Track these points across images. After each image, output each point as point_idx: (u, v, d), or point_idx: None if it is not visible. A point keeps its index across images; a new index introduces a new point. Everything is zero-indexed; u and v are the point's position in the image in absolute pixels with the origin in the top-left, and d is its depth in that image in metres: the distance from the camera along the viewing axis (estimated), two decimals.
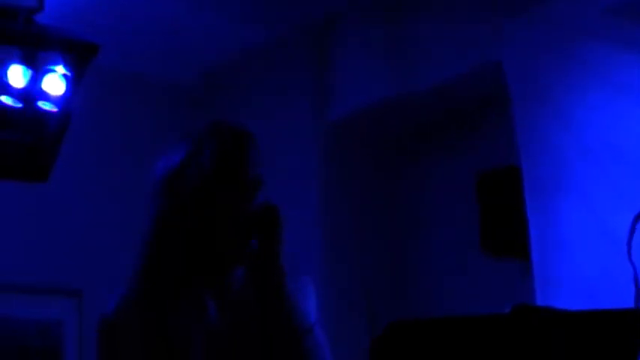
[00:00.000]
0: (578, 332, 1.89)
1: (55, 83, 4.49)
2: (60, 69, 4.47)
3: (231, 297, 2.27)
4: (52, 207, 5.71)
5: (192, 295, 2.22)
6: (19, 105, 4.47)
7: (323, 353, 2.27)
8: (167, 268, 2.21)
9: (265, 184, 2.31)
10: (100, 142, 5.93)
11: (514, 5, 4.66)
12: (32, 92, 4.47)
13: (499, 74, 4.67)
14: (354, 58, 5.61)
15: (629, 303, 3.62)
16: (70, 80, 4.50)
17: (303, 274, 2.39)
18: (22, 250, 5.62)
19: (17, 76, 4.42)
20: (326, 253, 5.52)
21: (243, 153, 2.28)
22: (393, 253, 5.74)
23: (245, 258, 2.25)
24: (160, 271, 2.21)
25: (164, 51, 6.04)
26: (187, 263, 2.22)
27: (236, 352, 2.23)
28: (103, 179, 5.88)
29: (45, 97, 4.50)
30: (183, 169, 2.24)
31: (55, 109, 4.52)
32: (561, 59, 4.45)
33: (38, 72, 4.45)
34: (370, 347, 1.79)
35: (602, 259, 4.02)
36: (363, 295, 5.50)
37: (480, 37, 4.94)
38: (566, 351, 1.84)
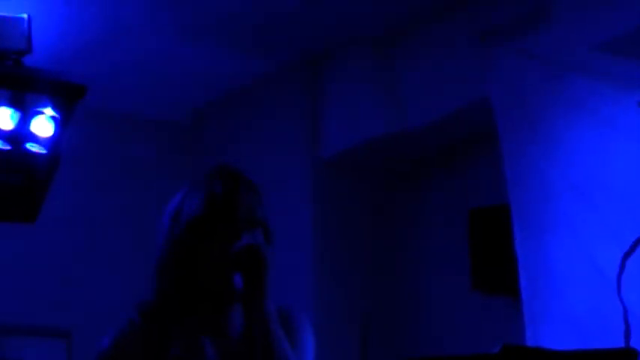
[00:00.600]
0: None
1: (43, 125, 4.49)
2: (48, 111, 4.48)
3: (227, 335, 2.29)
4: (39, 248, 5.70)
5: (189, 332, 2.25)
6: (8, 147, 4.47)
7: None
8: (163, 303, 2.27)
9: (267, 225, 2.33)
10: (88, 183, 5.93)
11: (502, 41, 4.69)
12: (21, 134, 4.47)
13: (488, 110, 4.69)
14: (345, 96, 5.63)
15: (619, 340, 3.62)
16: (59, 122, 4.51)
17: (300, 310, 2.40)
18: (10, 292, 5.60)
19: (5, 118, 4.42)
20: (318, 289, 5.52)
21: (232, 196, 2.30)
22: (384, 289, 5.72)
23: (232, 296, 2.26)
24: (157, 306, 2.27)
25: (153, 89, 6.04)
26: (180, 299, 2.27)
27: None
28: (92, 220, 5.87)
29: (33, 139, 4.51)
30: (179, 211, 2.31)
31: (43, 151, 4.52)
32: (549, 94, 4.46)
33: (26, 114, 4.46)
34: None
35: (592, 296, 4.01)
36: (356, 330, 5.49)
37: (469, 73, 4.96)
38: None
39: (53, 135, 4.52)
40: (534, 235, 4.36)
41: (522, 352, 1.97)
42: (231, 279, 2.24)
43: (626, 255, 3.00)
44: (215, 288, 2.26)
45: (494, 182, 4.78)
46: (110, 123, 6.12)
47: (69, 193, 5.56)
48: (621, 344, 3.64)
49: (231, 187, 2.31)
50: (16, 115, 4.44)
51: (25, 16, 4.42)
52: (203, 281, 2.26)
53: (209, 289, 2.26)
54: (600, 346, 2.09)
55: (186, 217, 2.28)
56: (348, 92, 5.62)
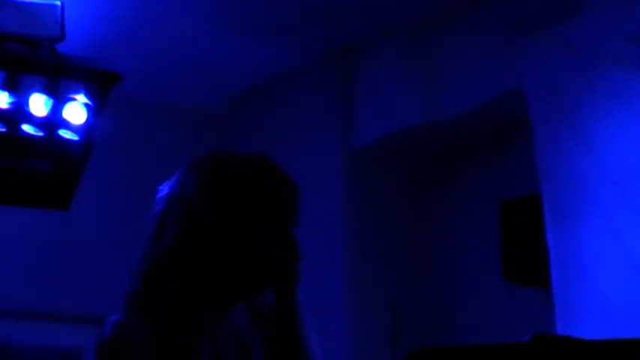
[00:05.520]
0: None
1: (76, 112, 4.52)
2: (81, 98, 4.50)
3: (233, 329, 2.25)
4: (73, 234, 5.73)
5: (204, 319, 2.19)
6: (41, 134, 4.50)
7: None
8: (177, 291, 2.16)
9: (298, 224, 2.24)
10: (122, 170, 5.95)
11: (536, 31, 4.66)
12: (54, 121, 4.50)
13: (523, 101, 4.67)
14: (380, 85, 5.62)
15: None
16: (92, 109, 4.53)
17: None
18: (43, 277, 5.64)
19: (39, 105, 4.45)
20: (351, 278, 5.52)
21: (265, 179, 2.22)
22: (416, 278, 5.72)
23: (258, 287, 2.22)
24: (167, 293, 2.16)
25: (188, 77, 6.06)
26: (200, 286, 2.17)
27: None
28: (126, 206, 5.89)
29: (66, 125, 4.53)
30: (199, 196, 2.19)
31: (76, 138, 4.54)
32: (583, 85, 4.44)
33: (60, 101, 4.48)
34: None
35: (625, 287, 3.98)
36: (388, 317, 5.49)
37: (502, 64, 4.95)
38: None
39: (86, 122, 4.54)
40: (567, 226, 4.33)
41: (553, 342, 1.96)
42: (261, 268, 2.19)
43: None
44: (243, 275, 2.18)
45: (526, 173, 4.76)
46: (144, 111, 6.15)
47: (103, 181, 5.59)
48: None
49: (276, 177, 2.24)
50: (50, 102, 4.46)
51: (58, 3, 4.45)
52: (232, 267, 2.16)
53: (235, 275, 2.18)
54: (633, 337, 2.07)
55: (211, 203, 2.17)
56: (383, 81, 5.61)
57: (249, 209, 2.18)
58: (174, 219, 2.21)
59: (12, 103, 4.39)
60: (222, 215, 2.17)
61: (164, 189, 2.27)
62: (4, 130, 4.40)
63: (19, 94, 4.41)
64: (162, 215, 2.23)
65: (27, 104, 4.44)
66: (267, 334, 2.25)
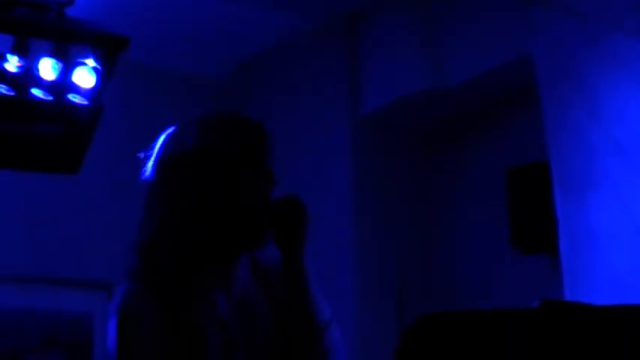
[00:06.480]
0: (608, 327, 1.87)
1: (85, 76, 4.51)
2: (90, 62, 4.49)
3: (236, 292, 2.26)
4: (82, 199, 5.75)
5: (202, 289, 2.20)
6: (50, 98, 4.50)
7: (339, 351, 2.27)
8: (180, 255, 2.17)
9: (284, 176, 2.29)
10: (131, 135, 5.94)
11: None
12: (63, 85, 4.49)
13: (530, 68, 4.65)
14: (386, 51, 5.60)
15: None
16: (100, 73, 4.52)
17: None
18: (52, 243, 5.66)
19: (48, 69, 4.44)
20: (357, 244, 5.53)
21: (263, 138, 2.28)
22: (424, 245, 5.74)
23: (261, 245, 2.25)
24: (172, 260, 2.17)
25: (195, 43, 6.05)
26: (201, 247, 2.19)
27: (249, 347, 2.23)
28: (134, 172, 5.89)
29: (75, 89, 4.53)
30: (200, 153, 2.21)
31: (85, 102, 4.54)
32: (592, 53, 4.42)
33: (68, 65, 4.48)
34: (400, 338, 1.79)
35: (633, 254, 3.99)
36: (394, 286, 5.51)
37: (510, 31, 4.93)
38: (596, 346, 1.82)
39: (95, 86, 4.53)
40: (575, 194, 4.33)
41: (562, 307, 1.96)
42: (265, 227, 2.22)
43: None
44: (247, 233, 2.22)
45: (533, 141, 4.76)
46: (149, 76, 6.14)
47: (112, 146, 5.59)
48: None
49: (264, 134, 2.28)
50: (58, 66, 4.45)
51: None
52: (236, 226, 2.20)
53: (238, 234, 2.21)
54: None
55: (213, 159, 2.20)
56: (387, 48, 5.60)
57: (247, 170, 2.22)
58: (170, 179, 2.23)
59: (21, 67, 4.39)
60: (220, 171, 2.20)
61: (159, 149, 2.29)
62: (13, 94, 4.40)
63: (28, 58, 4.40)
64: (161, 176, 2.26)
65: (36, 68, 4.43)
66: (274, 294, 2.27)
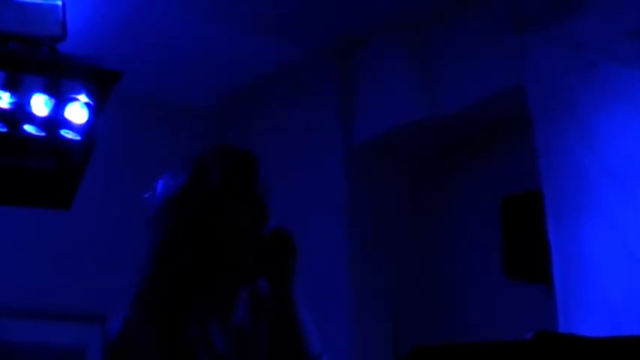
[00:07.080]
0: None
1: (77, 112, 4.51)
2: (82, 97, 4.50)
3: (235, 322, 2.27)
4: (75, 233, 5.73)
5: (198, 319, 2.21)
6: (43, 134, 4.50)
7: None
8: (175, 286, 2.20)
9: (278, 206, 2.30)
10: (122, 168, 5.95)
11: (536, 29, 4.66)
12: (55, 121, 4.49)
13: (523, 97, 4.67)
14: (379, 81, 5.62)
15: None
16: (93, 108, 4.53)
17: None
18: (45, 276, 5.64)
19: (40, 105, 4.45)
20: (351, 273, 5.53)
21: (251, 170, 2.29)
22: (418, 274, 5.73)
23: (252, 279, 2.26)
24: (167, 290, 2.20)
25: (187, 76, 6.06)
26: (194, 282, 2.21)
27: None
28: (126, 205, 5.88)
29: (68, 125, 4.53)
30: (191, 189, 2.25)
31: (77, 138, 4.54)
32: (584, 81, 4.44)
33: (61, 101, 4.48)
34: None
35: (627, 283, 3.99)
36: (389, 314, 5.50)
37: (503, 60, 4.95)
38: None
39: (87, 121, 4.54)
40: (568, 222, 4.34)
41: (555, 339, 1.96)
42: (256, 260, 2.23)
43: None
44: (238, 268, 2.23)
45: (527, 169, 4.76)
46: (139, 108, 6.14)
47: (103, 179, 5.58)
48: None
49: (248, 161, 2.29)
50: (51, 102, 4.46)
51: (59, 2, 4.45)
52: (226, 260, 2.22)
53: (230, 269, 2.23)
54: (635, 334, 2.07)
55: (202, 195, 2.22)
56: (382, 78, 5.61)
57: (236, 203, 2.23)
58: (167, 215, 2.26)
59: (13, 104, 4.38)
60: (214, 210, 2.22)
61: (159, 187, 2.31)
62: (5, 130, 4.40)
63: (21, 94, 4.40)
64: (158, 214, 2.28)
65: (28, 104, 4.43)
66: (269, 320, 2.28)
